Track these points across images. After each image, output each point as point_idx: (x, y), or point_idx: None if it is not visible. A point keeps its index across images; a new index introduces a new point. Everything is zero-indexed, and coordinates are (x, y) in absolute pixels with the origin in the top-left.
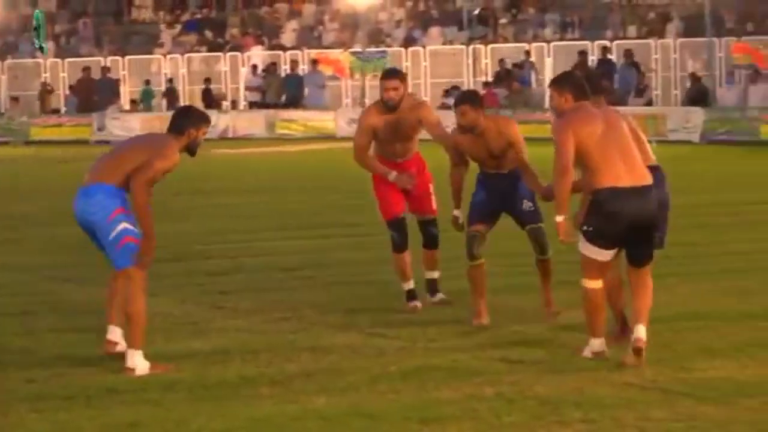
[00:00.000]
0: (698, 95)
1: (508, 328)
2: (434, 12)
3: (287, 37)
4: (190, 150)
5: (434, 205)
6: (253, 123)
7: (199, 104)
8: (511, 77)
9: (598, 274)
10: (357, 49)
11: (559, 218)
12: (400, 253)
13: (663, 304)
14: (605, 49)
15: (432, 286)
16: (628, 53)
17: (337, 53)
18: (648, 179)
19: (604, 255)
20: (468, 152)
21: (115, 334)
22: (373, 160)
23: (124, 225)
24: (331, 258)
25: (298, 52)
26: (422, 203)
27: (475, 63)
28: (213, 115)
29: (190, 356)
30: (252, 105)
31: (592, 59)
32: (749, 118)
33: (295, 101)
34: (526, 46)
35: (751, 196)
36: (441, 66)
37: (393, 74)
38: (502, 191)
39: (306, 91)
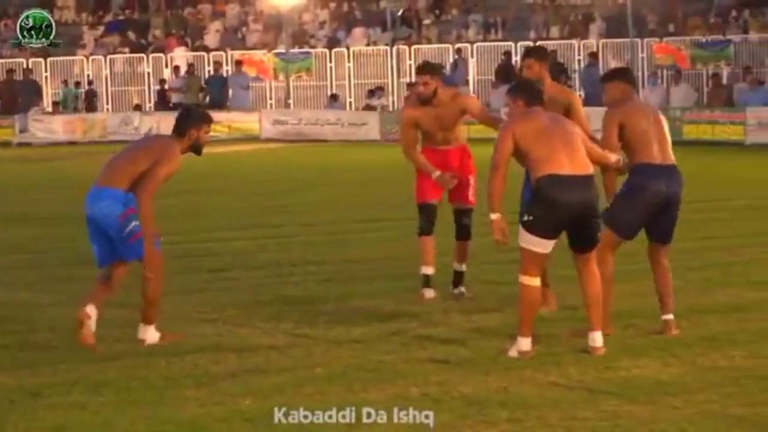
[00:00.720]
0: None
1: (435, 328)
2: (358, 13)
3: (211, 38)
4: (195, 150)
5: (472, 197)
6: None
7: (126, 105)
8: None
9: (535, 270)
10: (281, 50)
11: (494, 216)
12: (425, 236)
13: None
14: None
15: (456, 278)
16: (552, 54)
17: (260, 54)
18: (589, 169)
19: (543, 245)
20: None
21: (91, 308)
22: (420, 156)
23: (135, 222)
24: (258, 259)
25: (221, 53)
26: (460, 193)
27: (399, 64)
28: (135, 116)
29: (114, 359)
30: (176, 106)
31: (516, 60)
32: (671, 119)
33: (219, 103)
34: (449, 46)
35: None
36: (365, 67)
37: (423, 69)
38: None
39: (230, 92)
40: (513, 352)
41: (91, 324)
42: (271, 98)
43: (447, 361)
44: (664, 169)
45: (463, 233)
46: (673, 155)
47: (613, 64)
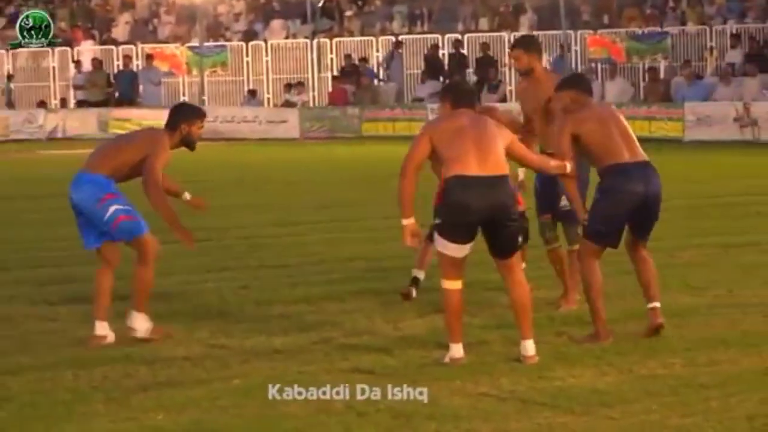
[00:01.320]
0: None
1: (359, 337)
2: (276, 4)
3: (120, 30)
4: (186, 145)
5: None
6: (84, 122)
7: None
8: (359, 72)
9: (454, 273)
10: (194, 43)
11: (405, 221)
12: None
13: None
14: (458, 43)
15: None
16: (484, 47)
17: (173, 48)
18: (500, 171)
19: (454, 249)
20: None
21: (102, 328)
22: None
23: (114, 207)
24: (170, 265)
25: (131, 46)
26: None
27: (320, 58)
28: (40, 114)
29: (18, 372)
30: (81, 103)
31: (443, 53)
32: None
33: (129, 99)
34: (373, 39)
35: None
36: (284, 61)
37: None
38: None
39: (141, 88)
40: (446, 359)
41: (110, 339)
42: (184, 94)
43: (372, 371)
44: (637, 167)
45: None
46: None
47: (545, 57)
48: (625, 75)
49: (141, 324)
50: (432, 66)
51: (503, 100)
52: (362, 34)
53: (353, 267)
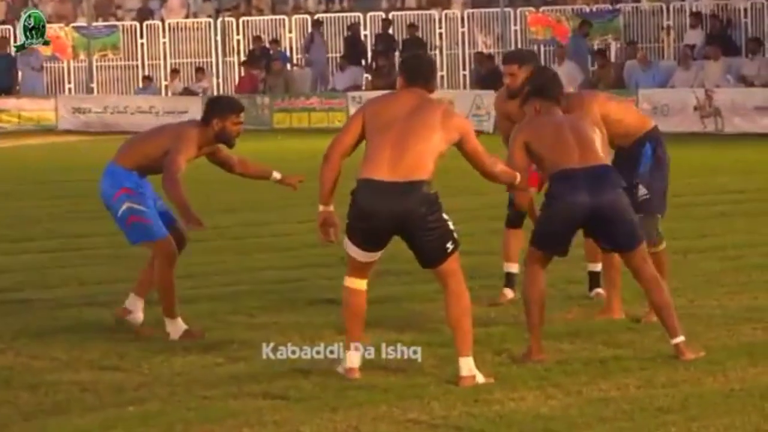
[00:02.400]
0: (490, 76)
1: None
2: None
3: None
4: (223, 141)
5: None
6: None
7: None
8: (271, 56)
9: (357, 273)
10: (81, 23)
11: (321, 207)
12: (512, 228)
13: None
14: (387, 22)
15: (593, 279)
16: (412, 27)
17: (56, 29)
18: (413, 176)
19: (359, 254)
20: None
21: (132, 303)
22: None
23: (127, 205)
24: (55, 276)
25: (8, 27)
26: None
27: (225, 39)
28: None
29: None
30: None
31: (365, 34)
32: None
33: (5, 87)
34: (285, 18)
35: None
36: (184, 43)
37: (509, 59)
38: None
39: (20, 74)
40: (340, 369)
41: (132, 317)
42: (69, 82)
43: (285, 396)
44: (585, 174)
45: None
46: (604, 156)
47: (480, 38)
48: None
49: (173, 329)
50: (353, 49)
51: None
52: (273, 13)
53: (264, 277)
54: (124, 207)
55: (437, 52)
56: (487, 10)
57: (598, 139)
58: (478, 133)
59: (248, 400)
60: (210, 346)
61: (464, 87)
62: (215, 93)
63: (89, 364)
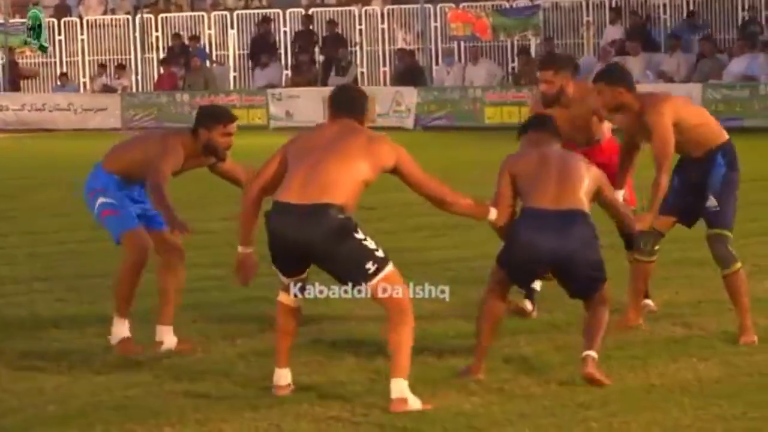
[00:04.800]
0: (410, 73)
1: (192, 357)
2: None
3: None
4: (210, 152)
5: (629, 196)
6: None
7: None
8: (190, 53)
9: (285, 287)
10: None
11: (240, 249)
12: None
13: (372, 327)
14: (306, 19)
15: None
16: (332, 24)
17: None
18: (325, 199)
19: (282, 277)
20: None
21: (160, 334)
22: None
23: (100, 200)
24: None
25: None
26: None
27: (144, 36)
28: None
29: None
30: None
31: (285, 30)
32: (471, 99)
33: None
34: (204, 15)
35: (478, 190)
36: (102, 40)
37: (545, 64)
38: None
39: None
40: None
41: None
42: None
43: (207, 395)
44: (553, 218)
45: (628, 242)
46: (583, 201)
47: (400, 35)
48: (491, 55)
49: (115, 329)
50: (262, 47)
51: (354, 83)
52: (192, 9)
53: (195, 276)
54: (97, 203)
55: (357, 48)
56: (407, 6)
57: (589, 181)
58: (399, 129)
59: (170, 398)
60: None
61: (384, 83)
62: (134, 90)
63: (7, 364)
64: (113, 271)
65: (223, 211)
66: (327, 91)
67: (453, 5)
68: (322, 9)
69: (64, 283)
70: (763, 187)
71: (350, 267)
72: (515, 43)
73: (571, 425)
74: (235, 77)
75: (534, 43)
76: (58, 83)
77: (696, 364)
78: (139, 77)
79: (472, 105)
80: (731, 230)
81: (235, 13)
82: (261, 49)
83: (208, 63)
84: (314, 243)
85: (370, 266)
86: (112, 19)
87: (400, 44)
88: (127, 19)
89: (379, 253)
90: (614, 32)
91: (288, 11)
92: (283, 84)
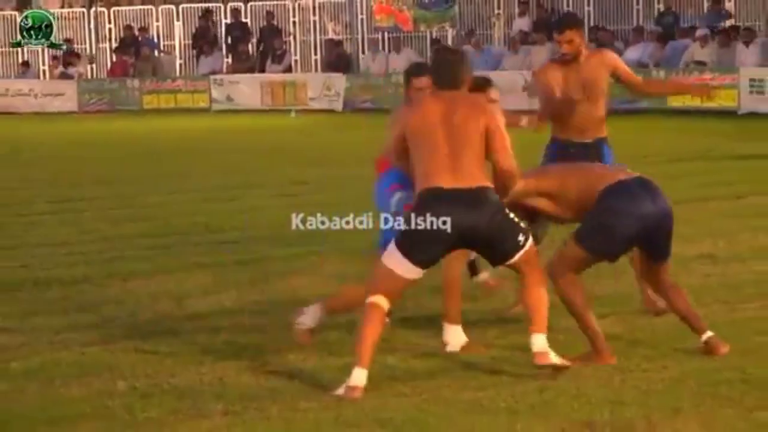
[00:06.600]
0: (339, 61)
1: (143, 317)
2: None
3: None
4: None
5: None
6: None
7: None
8: (140, 43)
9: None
10: None
11: None
12: None
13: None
14: (236, 12)
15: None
16: (269, 15)
17: None
18: (478, 183)
19: (402, 269)
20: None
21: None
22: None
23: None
24: None
25: None
26: None
27: (98, 28)
28: None
29: None
30: None
31: (226, 22)
32: (394, 85)
33: None
34: (153, 8)
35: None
36: (60, 31)
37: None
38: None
39: None
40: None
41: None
42: None
43: (156, 352)
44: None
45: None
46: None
47: (330, 26)
48: (413, 45)
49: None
50: (205, 37)
51: (288, 70)
52: (142, 3)
53: (137, 244)
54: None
55: (291, 38)
56: (336, 0)
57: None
58: (329, 111)
59: (122, 355)
60: (87, 307)
61: (316, 70)
62: (89, 77)
63: None
64: (67, 242)
65: (170, 186)
66: (264, 77)
67: None
68: (260, 3)
69: (26, 250)
70: (651, 162)
71: (507, 242)
72: (433, 33)
73: (482, 377)
74: (180, 65)
75: (450, 34)
76: (20, 71)
77: (600, 322)
78: (94, 65)
79: (395, 90)
80: None
81: (180, 6)
82: (204, 39)
83: (156, 52)
84: (480, 225)
85: (521, 238)
86: (69, 12)
87: (330, 34)
88: (83, 12)
89: (524, 225)
90: (522, 24)
91: (228, 4)
92: (225, 71)
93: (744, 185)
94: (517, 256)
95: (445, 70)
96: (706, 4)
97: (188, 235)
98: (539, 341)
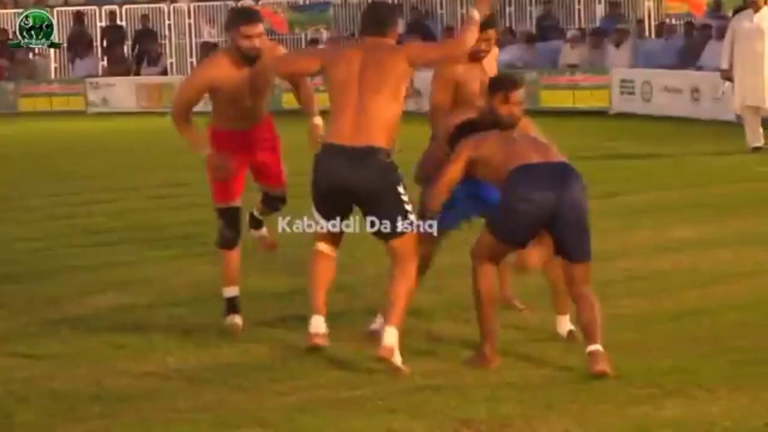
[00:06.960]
0: None
1: (18, 320)
2: None
3: None
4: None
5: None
6: None
7: None
8: (6, 47)
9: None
10: None
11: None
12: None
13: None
14: (112, 15)
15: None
16: (144, 18)
17: None
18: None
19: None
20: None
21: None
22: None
23: None
24: None
25: None
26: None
27: None
28: None
29: None
30: None
31: (101, 25)
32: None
33: None
34: (23, 12)
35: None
36: None
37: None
38: None
39: None
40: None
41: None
42: None
43: (33, 355)
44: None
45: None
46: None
47: (206, 29)
48: (288, 47)
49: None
50: (79, 40)
51: (164, 73)
52: (16, 7)
53: (13, 248)
54: None
55: (167, 41)
56: (211, 3)
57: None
58: (205, 113)
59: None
60: None
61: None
62: None
63: None
64: None
65: (47, 190)
66: (140, 80)
67: (252, 2)
68: (135, 6)
69: None
70: None
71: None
72: (308, 35)
73: (364, 372)
74: (56, 68)
75: (325, 36)
76: None
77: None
78: None
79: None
80: None
81: (55, 10)
82: (78, 42)
83: (31, 55)
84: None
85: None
86: None
87: (205, 37)
88: None
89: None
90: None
91: (103, 8)
92: (100, 74)
93: (615, 184)
94: (396, 239)
95: (372, 14)
96: (577, 8)
97: (66, 237)
98: (390, 336)
